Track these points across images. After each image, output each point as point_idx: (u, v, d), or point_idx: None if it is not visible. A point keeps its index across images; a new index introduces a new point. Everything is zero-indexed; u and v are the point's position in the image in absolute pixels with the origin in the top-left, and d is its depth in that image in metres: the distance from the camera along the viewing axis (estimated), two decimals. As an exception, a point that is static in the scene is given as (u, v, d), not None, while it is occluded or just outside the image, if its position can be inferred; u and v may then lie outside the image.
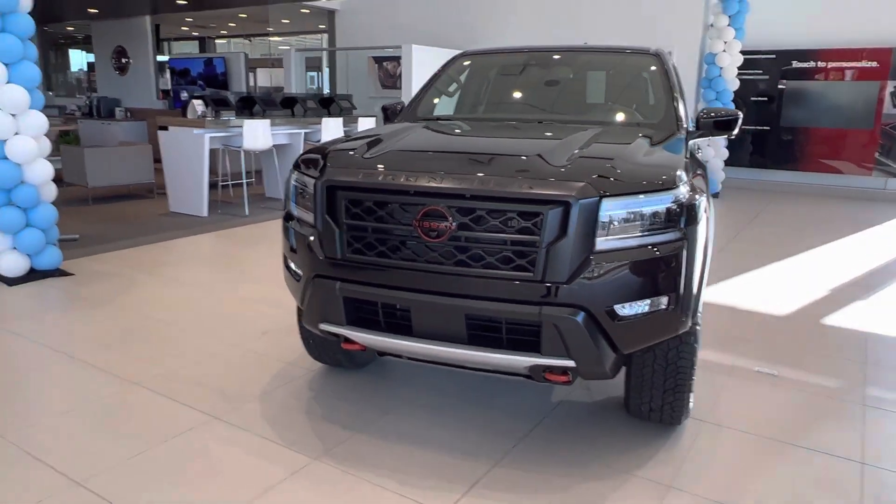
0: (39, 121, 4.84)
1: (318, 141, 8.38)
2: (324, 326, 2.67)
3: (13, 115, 4.70)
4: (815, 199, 9.88)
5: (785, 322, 4.41)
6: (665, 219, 2.37)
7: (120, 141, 10.02)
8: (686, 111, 3.88)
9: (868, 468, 2.68)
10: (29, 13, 4.77)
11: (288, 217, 2.85)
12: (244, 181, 8.07)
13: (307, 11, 12.84)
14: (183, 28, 17.84)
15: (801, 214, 8.56)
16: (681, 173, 2.45)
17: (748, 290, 5.11)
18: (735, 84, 9.46)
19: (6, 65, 4.62)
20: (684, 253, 2.40)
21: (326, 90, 14.01)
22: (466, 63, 4.18)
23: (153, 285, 4.93)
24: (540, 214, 2.28)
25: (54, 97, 16.14)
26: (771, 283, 5.30)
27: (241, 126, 7.62)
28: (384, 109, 4.17)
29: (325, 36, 13.88)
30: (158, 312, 4.33)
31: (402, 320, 2.54)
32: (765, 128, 10.43)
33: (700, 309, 2.69)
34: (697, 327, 2.66)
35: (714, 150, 9.59)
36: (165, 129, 7.76)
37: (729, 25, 9.23)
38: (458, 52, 4.48)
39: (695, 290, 2.51)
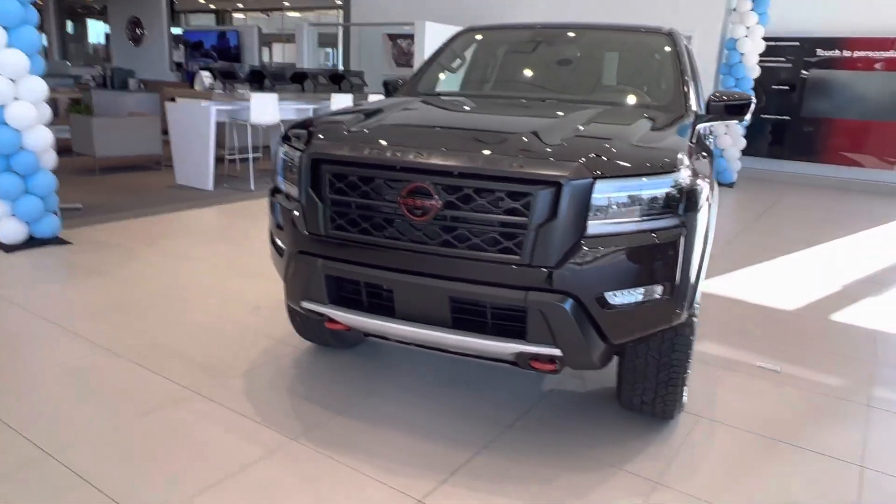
0: (39, 86, 4.77)
1: (327, 117, 8.25)
2: (306, 305, 2.59)
3: (12, 81, 4.64)
4: (833, 192, 9.63)
5: (792, 317, 4.28)
6: (663, 204, 2.25)
7: (130, 112, 9.98)
8: (697, 94, 3.73)
9: (867, 472, 2.57)
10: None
11: (274, 191, 2.77)
12: (251, 156, 7.99)
13: (323, -14, 12.66)
14: (199, 0, 17.73)
15: (817, 207, 8.34)
16: (682, 157, 2.32)
17: (756, 282, 4.96)
18: (756, 71, 9.20)
19: (6, 29, 4.54)
20: (682, 241, 2.28)
21: (342, 67, 13.87)
22: (471, 39, 4.04)
23: (150, 257, 4.88)
24: (529, 195, 2.16)
25: (70, 66, 16.11)
26: (780, 277, 5.15)
27: (248, 100, 7.53)
28: (385, 84, 4.06)
29: (341, 12, 13.70)
30: (152, 284, 4.28)
31: (385, 301, 2.45)
32: (785, 117, 10.16)
33: (698, 300, 2.57)
34: (694, 319, 2.54)
35: (731, 138, 9.37)
36: (173, 100, 7.69)
37: (752, 10, 8.95)
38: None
39: (692, 280, 2.39)
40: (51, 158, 5.02)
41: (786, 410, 3.03)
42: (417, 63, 9.65)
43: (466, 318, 2.36)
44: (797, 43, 9.86)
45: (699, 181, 2.39)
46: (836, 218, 7.68)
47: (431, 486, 2.34)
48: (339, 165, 2.41)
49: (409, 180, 2.27)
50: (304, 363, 3.25)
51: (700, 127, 3.31)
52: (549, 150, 2.26)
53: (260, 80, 8.62)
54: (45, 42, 17.52)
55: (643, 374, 2.60)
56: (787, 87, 10.08)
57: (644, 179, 2.22)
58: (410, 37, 10.85)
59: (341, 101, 8.40)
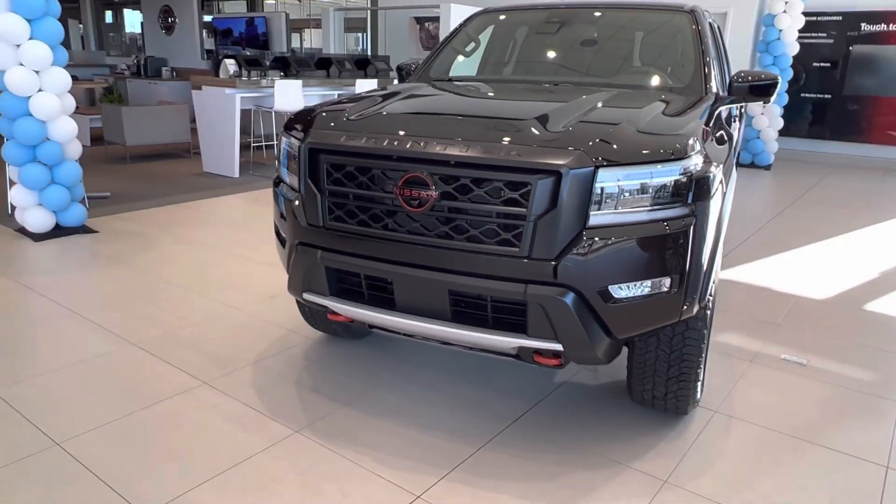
0: (62, 78, 4.83)
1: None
2: (307, 296, 2.56)
3: (36, 72, 4.71)
4: (876, 173, 9.21)
5: (823, 306, 4.09)
6: (671, 192, 2.14)
7: (160, 100, 10.12)
8: (720, 74, 3.57)
9: (893, 474, 2.44)
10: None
11: (277, 181, 2.74)
12: (276, 143, 8.02)
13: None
14: (230, -13, 17.79)
15: (858, 190, 7.99)
16: (692, 142, 2.21)
17: (787, 270, 4.77)
18: (794, 48, 8.82)
19: (28, 21, 4.61)
20: (692, 231, 2.17)
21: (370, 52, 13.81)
22: (486, 21, 3.94)
23: (171, 245, 4.94)
24: (528, 185, 2.08)
25: (106, 56, 16.42)
26: (813, 264, 4.94)
27: (272, 87, 7.54)
28: (399, 69, 3.99)
29: (370, -4, 13.60)
30: (170, 273, 4.32)
31: (385, 293, 2.41)
32: (826, 96, 9.74)
33: (712, 291, 2.46)
34: (708, 311, 2.43)
35: (768, 119, 9.03)
36: (199, 89, 7.75)
37: (791, -16, 8.57)
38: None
39: (703, 271, 2.28)
40: (76, 149, 5.10)
41: (809, 406, 2.90)
42: (443, 46, 9.52)
43: (466, 311, 2.30)
44: (839, 17, 9.41)
45: (712, 168, 2.27)
46: (877, 202, 7.35)
47: (431, 482, 2.30)
48: (336, 155, 2.36)
49: (405, 170, 2.21)
50: (314, 354, 3.23)
51: (722, 109, 3.18)
52: (549, 137, 2.17)
53: (285, 66, 8.62)
54: (81, 32, 17.89)
55: (653, 369, 2.50)
56: (828, 65, 9.65)
57: (650, 167, 2.11)
58: (437, 20, 10.71)
59: (366, 86, 8.35)
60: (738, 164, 9.32)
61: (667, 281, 2.18)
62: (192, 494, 2.20)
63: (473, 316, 2.29)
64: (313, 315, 3.17)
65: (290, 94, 7.58)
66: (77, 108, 10.20)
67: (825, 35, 9.55)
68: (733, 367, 3.23)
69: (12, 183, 5.06)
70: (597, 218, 2.10)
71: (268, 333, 3.44)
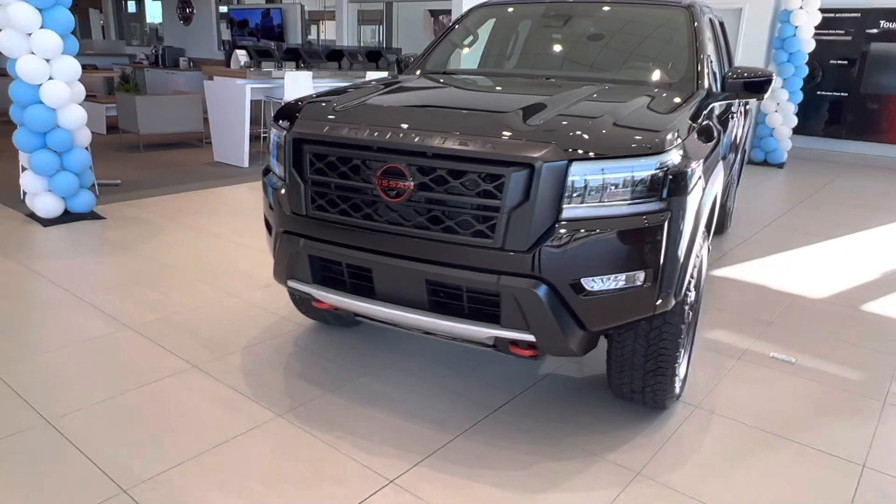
0: (72, 66, 4.93)
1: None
2: (292, 284, 2.62)
3: (47, 61, 4.81)
4: (892, 173, 9.07)
5: (819, 306, 4.07)
6: (646, 187, 2.16)
7: (175, 90, 10.25)
8: (718, 70, 3.57)
9: (868, 472, 2.44)
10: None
11: (266, 171, 2.79)
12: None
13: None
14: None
15: (871, 190, 7.88)
16: (670, 137, 2.22)
17: (787, 269, 4.74)
18: (811, 45, 8.69)
19: (39, 10, 4.71)
20: (666, 226, 2.18)
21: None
22: (484, 15, 3.95)
23: (176, 232, 5.03)
24: (502, 177, 2.11)
25: (125, 46, 16.63)
26: (815, 264, 4.90)
27: (283, 77, 7.61)
28: (397, 62, 4.03)
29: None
30: (171, 259, 4.41)
31: (365, 282, 2.45)
32: (842, 94, 9.59)
33: (690, 287, 2.46)
34: (686, 307, 2.45)
35: (782, 116, 8.92)
36: (212, 79, 7.85)
37: (808, -20, 8.44)
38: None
39: (679, 266, 2.29)
40: (85, 136, 5.21)
41: (793, 404, 2.90)
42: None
43: (443, 300, 2.34)
44: (857, 14, 9.25)
45: (692, 164, 2.28)
46: (890, 203, 7.24)
47: (405, 467, 2.35)
48: (319, 145, 2.41)
49: (383, 161, 2.25)
50: (304, 341, 3.29)
51: (715, 105, 3.17)
52: (526, 130, 2.19)
53: (297, 58, 8.69)
54: (102, 22, 18.12)
55: (631, 363, 2.52)
56: (845, 62, 9.50)
57: (625, 161, 2.12)
58: (450, 13, 10.70)
59: (376, 77, 8.39)
60: (750, 162, 9.24)
61: (640, 275, 2.20)
62: (172, 472, 2.27)
63: (450, 305, 2.33)
64: (303, 302, 3.23)
65: (300, 86, 7.64)
66: (94, 96, 10.37)
67: (843, 32, 9.39)
68: (720, 364, 3.23)
69: (23, 169, 5.18)
70: (570, 211, 2.12)
71: (261, 320, 3.50)
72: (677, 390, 2.64)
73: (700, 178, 2.36)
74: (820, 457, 2.52)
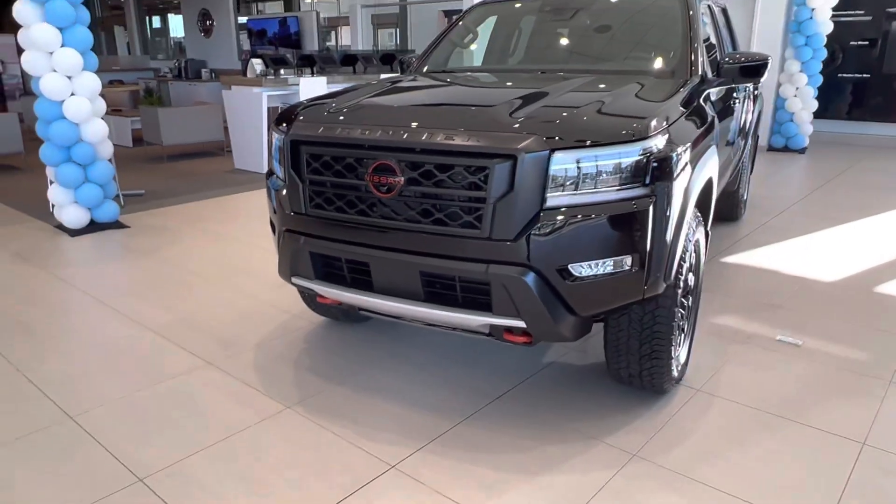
0: (93, 82, 5.13)
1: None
2: (296, 280, 2.73)
3: (69, 78, 5.02)
4: (919, 154, 8.88)
5: (829, 289, 4.04)
6: (630, 173, 2.20)
7: (197, 101, 10.50)
8: (718, 56, 3.60)
9: (867, 449, 2.44)
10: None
11: (269, 173, 2.90)
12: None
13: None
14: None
15: (893, 172, 7.72)
16: (654, 124, 2.26)
17: (797, 253, 4.71)
18: (828, 27, 8.55)
19: (60, 29, 4.91)
20: (651, 211, 2.23)
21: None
22: (483, 13, 4.02)
23: (197, 238, 5.20)
24: (486, 169, 2.18)
25: (150, 60, 17.07)
26: (830, 248, 4.85)
27: (298, 84, 7.77)
28: (400, 63, 4.12)
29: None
30: (191, 263, 4.57)
31: (363, 276, 2.55)
32: (864, 76, 9.41)
33: (683, 271, 2.50)
34: (678, 290, 2.48)
35: (801, 101, 8.79)
36: (230, 88, 8.05)
37: (823, -39, 8.31)
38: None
39: (667, 250, 2.33)
40: (108, 149, 5.41)
41: (797, 386, 2.91)
42: (467, 39, 9.59)
43: (437, 291, 2.41)
44: (878, -7, 9.08)
45: (678, 148, 2.32)
46: (913, 183, 7.10)
47: (407, 453, 2.43)
48: (314, 146, 2.51)
49: (374, 157, 2.34)
50: (315, 337, 3.40)
51: (711, 91, 3.20)
52: (510, 122, 2.26)
53: (311, 64, 8.85)
54: (127, 39, 18.61)
55: (626, 347, 2.57)
56: (866, 43, 9.32)
57: (607, 148, 2.18)
58: (463, 12, 10.79)
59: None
60: (771, 149, 9.12)
61: (627, 260, 2.25)
62: (187, 462, 2.38)
63: (444, 296, 2.41)
64: (312, 300, 3.33)
65: (315, 91, 7.78)
66: (120, 110, 10.67)
67: (862, 12, 9.22)
68: (725, 348, 3.25)
69: (51, 182, 5.40)
70: (554, 199, 2.18)
71: (274, 318, 3.62)
72: (675, 374, 2.68)
73: (687, 163, 2.40)
74: (819, 435, 2.53)
